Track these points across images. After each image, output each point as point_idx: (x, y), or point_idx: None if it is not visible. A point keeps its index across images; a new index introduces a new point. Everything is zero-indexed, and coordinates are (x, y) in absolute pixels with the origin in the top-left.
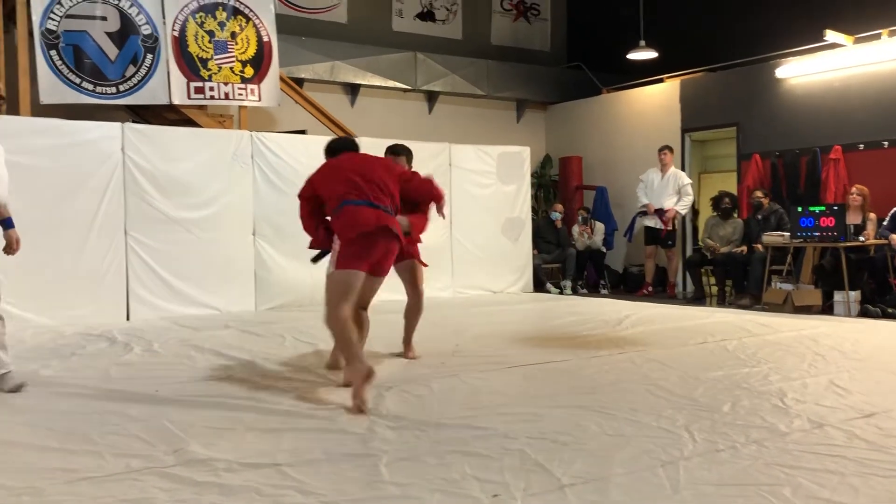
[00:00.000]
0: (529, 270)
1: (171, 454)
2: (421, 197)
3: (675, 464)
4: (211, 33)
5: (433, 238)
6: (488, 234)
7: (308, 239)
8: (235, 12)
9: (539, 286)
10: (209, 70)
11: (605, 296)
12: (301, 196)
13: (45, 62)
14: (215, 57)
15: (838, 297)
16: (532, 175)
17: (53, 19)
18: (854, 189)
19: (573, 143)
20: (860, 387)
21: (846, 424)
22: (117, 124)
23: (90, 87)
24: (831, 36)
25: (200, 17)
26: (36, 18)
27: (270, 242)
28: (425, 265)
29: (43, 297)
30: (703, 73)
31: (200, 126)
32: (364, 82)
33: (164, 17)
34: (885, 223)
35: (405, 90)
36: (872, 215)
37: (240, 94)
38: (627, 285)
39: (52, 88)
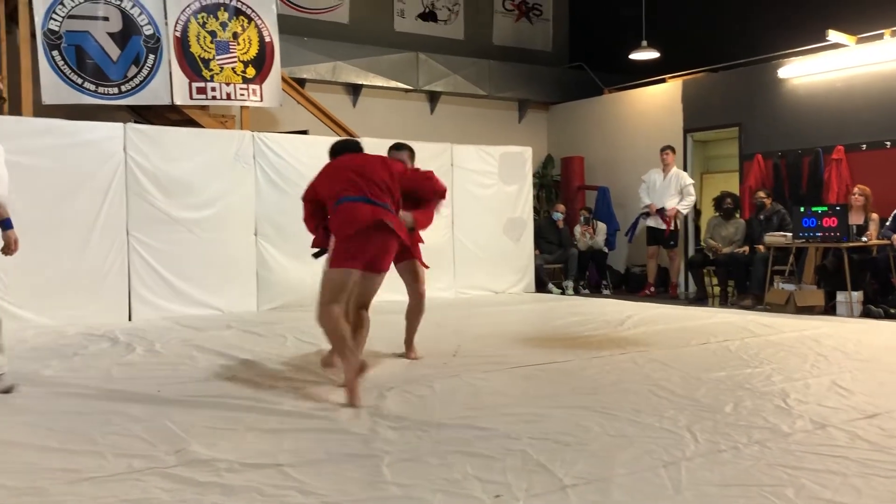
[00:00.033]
0: (531, 271)
1: (173, 454)
2: (423, 191)
3: (677, 464)
4: (213, 34)
5: (435, 238)
6: (490, 235)
7: (311, 239)
8: (237, 13)
9: (541, 286)
10: (211, 70)
11: (606, 296)
12: (304, 199)
13: (47, 63)
14: (217, 57)
15: (841, 297)
16: (534, 175)
17: (56, 20)
18: (856, 189)
19: (575, 143)
20: (863, 387)
21: (849, 425)
22: (119, 125)
23: (92, 87)
24: (834, 36)
25: (202, 17)
26: (38, 19)
27: (272, 242)
28: (427, 267)
29: (45, 297)
30: (706, 74)
31: (202, 126)
32: (366, 82)
33: (166, 18)
34: (887, 223)
35: (407, 90)
36: (875, 216)
37: (241, 95)
38: (629, 286)
39: (55, 89)
